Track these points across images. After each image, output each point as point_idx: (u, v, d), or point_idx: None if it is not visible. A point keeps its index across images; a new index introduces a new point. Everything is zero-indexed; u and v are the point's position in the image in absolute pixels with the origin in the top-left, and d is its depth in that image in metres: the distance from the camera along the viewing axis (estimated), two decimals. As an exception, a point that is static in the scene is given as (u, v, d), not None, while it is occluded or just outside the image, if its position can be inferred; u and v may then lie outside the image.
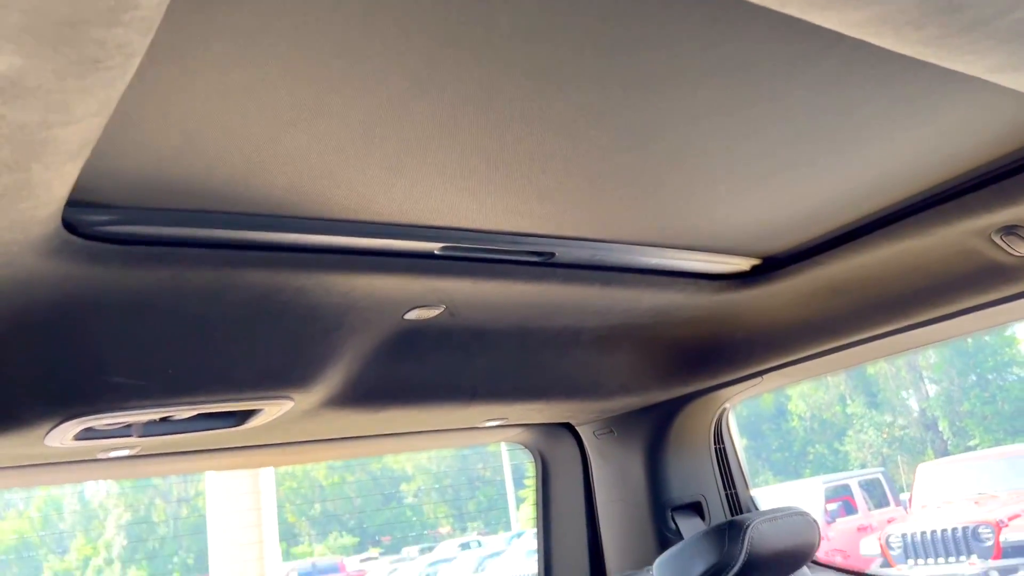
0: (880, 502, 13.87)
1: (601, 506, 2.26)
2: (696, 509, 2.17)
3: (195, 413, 1.36)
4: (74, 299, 1.06)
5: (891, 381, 26.93)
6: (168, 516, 29.63)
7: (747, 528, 1.59)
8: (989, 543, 9.62)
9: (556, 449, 2.35)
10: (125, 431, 1.36)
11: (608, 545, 2.20)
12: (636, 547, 2.12)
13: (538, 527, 2.33)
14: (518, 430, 2.30)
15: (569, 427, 2.31)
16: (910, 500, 12.40)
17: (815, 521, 1.72)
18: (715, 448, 2.25)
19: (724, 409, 2.24)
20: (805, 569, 1.96)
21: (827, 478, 14.42)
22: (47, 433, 1.25)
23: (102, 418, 1.24)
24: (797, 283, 1.61)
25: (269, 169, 0.97)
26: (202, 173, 0.95)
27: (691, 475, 2.19)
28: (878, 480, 14.56)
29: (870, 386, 27.40)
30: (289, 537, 28.66)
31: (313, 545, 30.94)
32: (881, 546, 10.59)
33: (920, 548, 10.08)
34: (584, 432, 2.29)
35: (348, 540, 31.35)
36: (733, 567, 1.59)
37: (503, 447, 26.91)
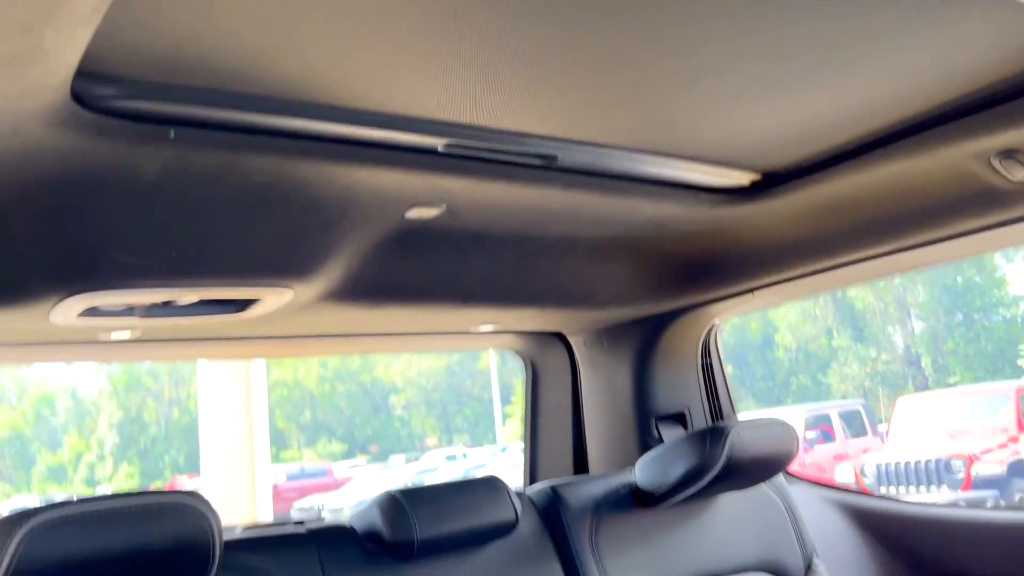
0: (858, 433, 14.21)
1: (587, 413, 2.32)
2: (680, 420, 2.23)
3: (197, 298, 1.39)
4: (80, 174, 1.07)
5: (879, 317, 27.23)
6: (160, 417, 30.14)
7: (728, 434, 1.65)
8: (960, 475, 9.92)
9: (547, 358, 2.39)
10: (128, 312, 1.39)
11: (592, 449, 2.27)
12: (619, 452, 2.19)
13: (525, 430, 2.39)
14: (511, 337, 2.34)
15: (560, 337, 2.35)
16: (887, 432, 12.71)
17: (794, 431, 1.78)
18: (702, 363, 2.30)
19: (713, 325, 2.28)
20: (782, 480, 2.03)
21: (808, 407, 14.73)
22: (52, 308, 1.27)
23: (105, 296, 1.26)
24: (795, 200, 1.62)
25: (280, 52, 0.97)
26: (213, 51, 0.95)
27: (677, 387, 2.25)
28: (858, 412, 14.88)
29: (857, 320, 27.72)
30: (279, 442, 29.28)
31: (302, 450, 31.66)
32: (855, 474, 10.90)
33: (893, 477, 10.39)
34: (575, 342, 2.34)
35: (337, 447, 32.06)
36: (712, 469, 1.65)
37: (492, 366, 27.29)
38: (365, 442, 32.63)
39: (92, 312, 1.33)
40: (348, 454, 30.76)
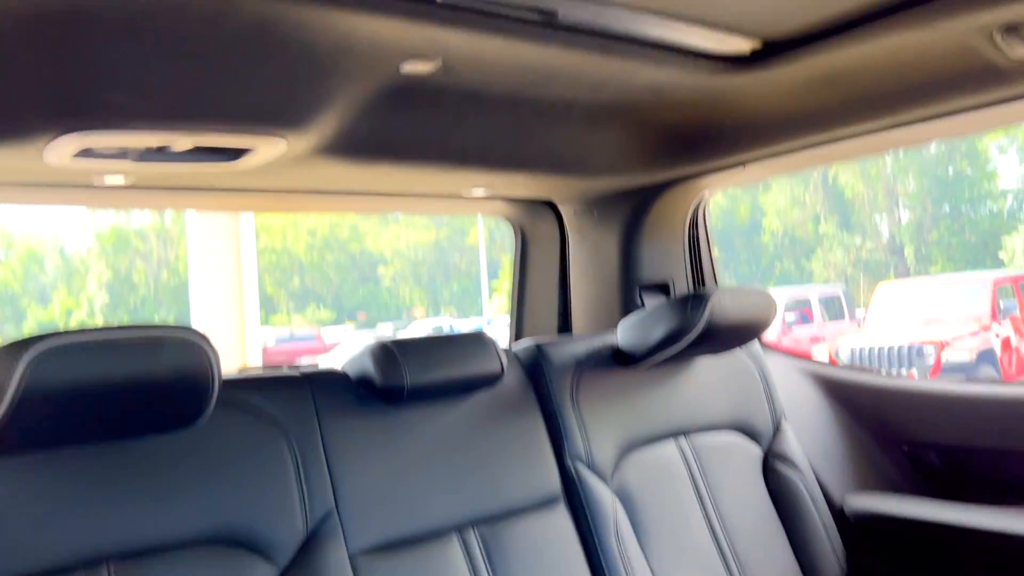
0: (836, 317, 14.54)
1: (574, 281, 2.37)
2: (663, 290, 2.29)
3: (190, 145, 1.39)
4: (75, 8, 1.05)
5: (867, 205, 27.31)
6: (149, 278, 30.31)
7: (709, 299, 1.70)
8: (931, 361, 10.25)
9: (537, 226, 2.42)
10: (122, 155, 1.39)
11: (577, 315, 2.34)
12: (603, 318, 2.26)
13: (512, 295, 2.45)
14: (502, 203, 2.35)
15: (551, 205, 2.37)
16: (864, 317, 13.01)
17: (773, 300, 1.84)
18: (689, 235, 2.33)
19: (702, 198, 2.30)
20: (758, 348, 2.11)
21: (789, 289, 14.98)
22: (46, 146, 1.28)
23: (99, 136, 1.26)
24: (793, 71, 1.61)
25: None
26: None
27: (663, 258, 2.29)
28: (838, 296, 15.17)
29: (845, 208, 27.80)
30: (268, 307, 29.65)
31: (291, 315, 32.10)
32: (830, 355, 11.24)
33: (866, 359, 10.72)
34: (565, 211, 2.36)
35: (325, 314, 32.53)
36: (692, 332, 1.71)
37: (480, 241, 27.38)
38: (353, 310, 33.09)
39: (86, 153, 1.33)
40: (336, 321, 31.25)
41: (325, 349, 20.47)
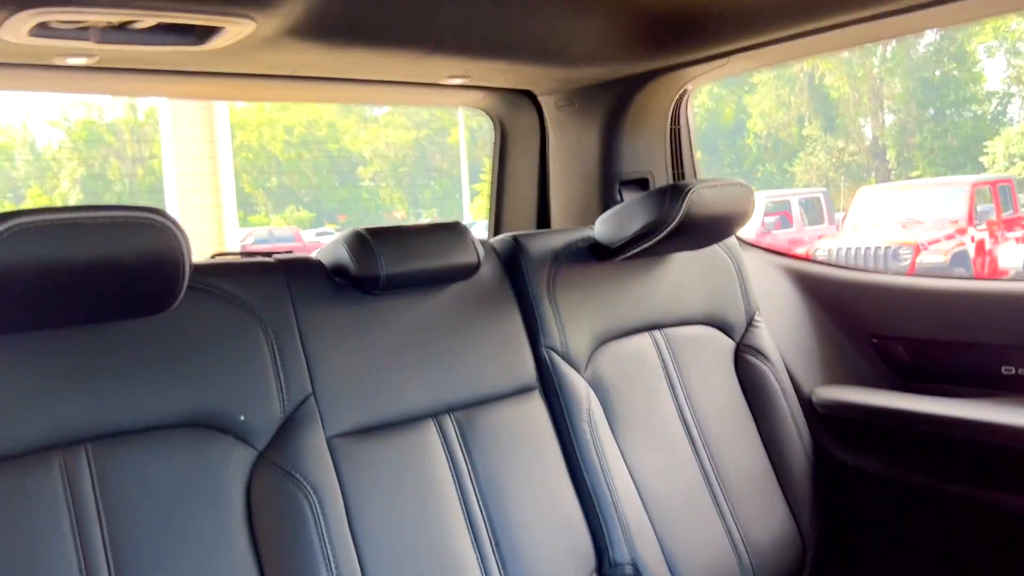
0: (816, 220, 14.60)
1: (553, 175, 2.35)
2: (643, 184, 2.27)
3: (154, 22, 1.33)
4: None
5: (852, 107, 27.05)
6: (123, 175, 29.75)
7: (688, 191, 1.69)
8: (906, 263, 10.39)
9: (516, 117, 2.38)
10: (83, 35, 1.33)
11: (556, 209, 2.32)
12: (582, 213, 2.25)
13: (492, 188, 2.43)
14: (480, 94, 2.30)
15: (531, 96, 2.32)
16: (843, 220, 13.08)
17: (752, 193, 1.83)
18: (671, 128, 2.30)
19: (685, 91, 2.26)
20: (735, 242, 2.12)
21: (770, 193, 14.97)
22: (1, 24, 1.22)
23: (56, 12, 1.21)
24: None
25: None
26: None
27: (643, 152, 2.27)
28: (818, 200, 15.19)
29: (830, 110, 27.54)
30: (246, 206, 29.34)
31: (270, 216, 31.82)
32: (807, 257, 11.35)
33: (842, 261, 10.85)
34: (545, 103, 2.31)
35: (304, 215, 32.26)
36: (669, 224, 1.70)
37: (462, 141, 26.94)
38: (333, 211, 32.80)
39: (44, 30, 1.28)
40: (316, 222, 31.01)
41: (305, 250, 20.28)
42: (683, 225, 1.70)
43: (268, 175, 33.22)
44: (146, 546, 1.17)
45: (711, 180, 1.76)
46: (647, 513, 1.67)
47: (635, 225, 1.74)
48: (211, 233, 10.90)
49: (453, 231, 1.60)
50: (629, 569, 1.58)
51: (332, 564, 1.28)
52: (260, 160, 32.58)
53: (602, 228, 1.82)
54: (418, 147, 35.14)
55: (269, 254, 1.50)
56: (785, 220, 14.15)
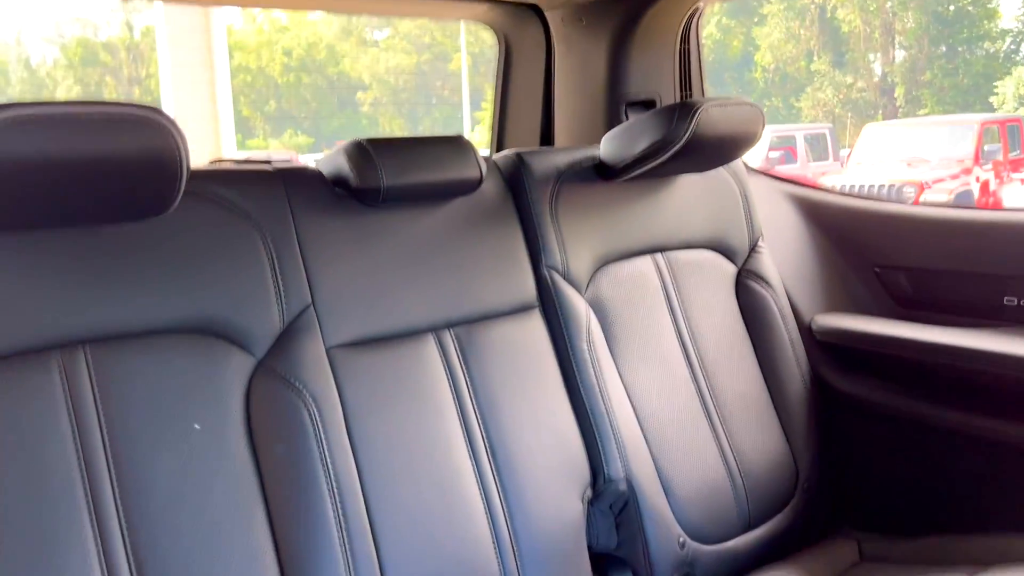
0: (821, 157, 14.45)
1: (558, 94, 2.29)
2: (650, 106, 2.22)
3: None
4: None
5: (862, 42, 26.49)
6: (120, 95, 29.32)
7: (697, 110, 1.65)
8: (910, 202, 10.33)
9: (522, 33, 2.31)
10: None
11: (560, 129, 2.28)
12: (587, 134, 2.21)
13: (495, 106, 2.38)
14: (485, 7, 2.23)
15: (537, 11, 2.25)
16: (848, 156, 12.95)
17: (761, 113, 1.79)
18: (680, 48, 2.24)
19: (697, 9, 2.19)
20: (742, 167, 2.08)
21: (775, 128, 14.77)
22: None
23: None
24: None
25: None
26: None
27: (652, 72, 2.21)
28: (824, 136, 15.01)
29: (840, 45, 26.99)
30: (244, 130, 28.99)
31: (268, 140, 31.47)
32: (810, 194, 11.27)
33: (845, 199, 10.77)
34: (552, 18, 2.25)
35: (303, 140, 31.91)
36: (676, 144, 1.67)
37: (463, 66, 26.44)
38: (331, 136, 32.41)
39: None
40: (315, 148, 30.70)
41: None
42: (691, 145, 1.66)
43: (267, 99, 32.72)
44: (146, 447, 1.17)
45: (720, 98, 1.72)
46: (643, 432, 1.68)
47: (642, 143, 1.70)
48: (208, 153, 10.81)
49: (456, 144, 1.56)
50: (623, 485, 1.60)
51: (331, 471, 1.29)
52: (258, 83, 32.05)
53: (607, 146, 1.79)
54: (419, 73, 34.52)
55: (268, 162, 1.47)
56: (790, 156, 14.01)
